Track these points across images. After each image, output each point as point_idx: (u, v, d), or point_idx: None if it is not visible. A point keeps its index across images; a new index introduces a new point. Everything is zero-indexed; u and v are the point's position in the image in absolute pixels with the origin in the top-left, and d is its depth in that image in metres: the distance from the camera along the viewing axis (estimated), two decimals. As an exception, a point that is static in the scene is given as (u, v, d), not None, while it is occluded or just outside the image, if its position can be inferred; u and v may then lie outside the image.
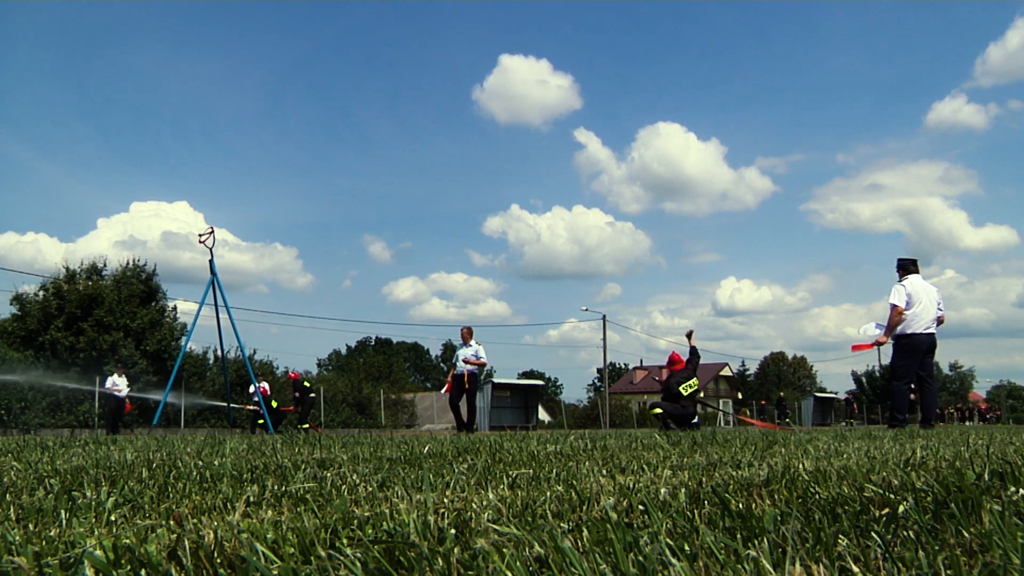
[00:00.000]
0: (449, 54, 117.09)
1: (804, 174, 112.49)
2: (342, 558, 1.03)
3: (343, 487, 2.05)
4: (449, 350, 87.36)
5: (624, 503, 1.58)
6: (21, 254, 73.41)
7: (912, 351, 9.13)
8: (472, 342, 14.14)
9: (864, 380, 68.12)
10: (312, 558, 1.07)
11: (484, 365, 14.38)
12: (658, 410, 12.58)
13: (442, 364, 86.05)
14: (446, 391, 14.27)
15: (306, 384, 23.55)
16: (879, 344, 9.46)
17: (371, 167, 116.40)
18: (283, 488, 2.02)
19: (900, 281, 9.34)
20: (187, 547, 1.09)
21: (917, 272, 9.40)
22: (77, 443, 5.95)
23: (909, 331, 9.11)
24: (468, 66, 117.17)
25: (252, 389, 22.15)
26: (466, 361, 13.89)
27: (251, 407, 21.61)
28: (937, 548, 1.06)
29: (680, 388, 12.54)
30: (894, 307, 9.15)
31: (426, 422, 40.75)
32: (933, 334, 9.23)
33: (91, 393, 25.72)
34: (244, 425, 21.73)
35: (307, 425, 22.20)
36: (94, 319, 29.57)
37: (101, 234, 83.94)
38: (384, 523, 1.33)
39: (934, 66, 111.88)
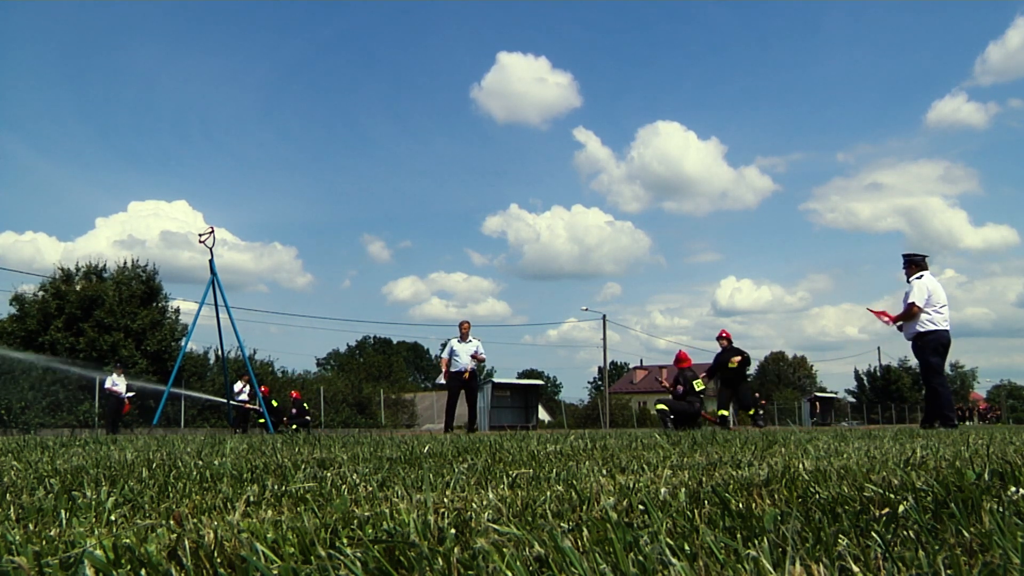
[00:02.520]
0: (447, 52, 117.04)
1: (804, 173, 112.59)
2: (342, 558, 1.03)
3: (343, 487, 2.05)
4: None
5: (624, 503, 1.58)
6: (20, 253, 73.39)
7: (941, 347, 9.02)
8: (471, 337, 13.86)
9: (865, 379, 68.12)
10: (312, 558, 1.07)
11: (484, 361, 14.10)
12: (662, 406, 12.61)
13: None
14: (444, 377, 13.89)
15: (305, 406, 25.70)
16: (889, 321, 9.25)
17: (370, 166, 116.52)
18: (283, 488, 2.02)
19: (911, 278, 9.18)
20: (187, 547, 1.09)
21: (927, 268, 9.27)
22: (77, 443, 5.95)
23: (937, 328, 8.97)
24: (466, 64, 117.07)
25: (238, 388, 22.20)
26: (474, 357, 13.64)
27: (237, 404, 21.61)
28: (937, 548, 1.06)
29: (693, 383, 12.62)
30: (913, 304, 8.97)
31: (426, 422, 40.76)
32: (950, 331, 9.18)
33: (91, 391, 25.70)
34: (240, 424, 21.73)
35: (295, 426, 22.78)
36: (94, 320, 29.58)
37: (100, 233, 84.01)
38: (384, 523, 1.33)
39: (934, 65, 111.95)
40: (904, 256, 9.44)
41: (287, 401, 26.49)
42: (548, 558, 1.01)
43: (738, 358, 13.65)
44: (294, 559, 1.09)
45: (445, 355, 13.92)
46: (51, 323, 29.36)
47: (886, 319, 9.40)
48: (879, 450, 3.38)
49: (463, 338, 13.78)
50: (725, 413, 13.79)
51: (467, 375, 13.56)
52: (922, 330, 9.01)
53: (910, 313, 9.01)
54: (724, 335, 14.03)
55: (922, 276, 9.17)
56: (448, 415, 13.73)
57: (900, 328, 9.31)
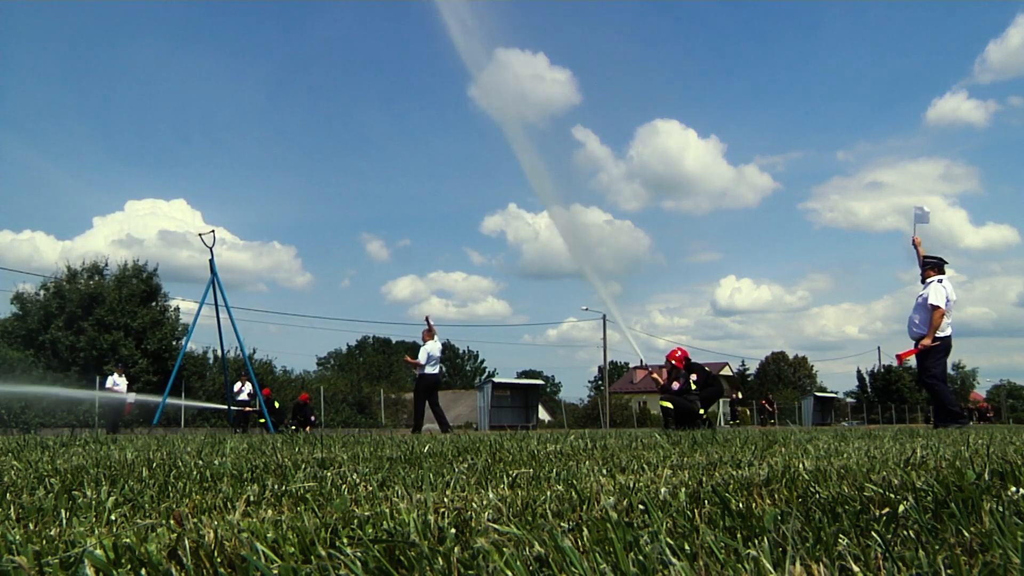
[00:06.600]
0: (444, 49, 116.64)
1: (803, 172, 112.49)
2: (342, 557, 1.03)
3: (343, 487, 2.05)
4: (448, 349, 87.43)
5: (624, 502, 1.58)
6: (18, 252, 73.19)
7: (947, 352, 8.95)
8: (430, 341, 13.69)
9: (867, 379, 68.04)
10: (312, 557, 1.08)
11: (418, 366, 13.66)
12: (667, 403, 12.61)
13: (441, 365, 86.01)
14: None
15: (312, 417, 26.18)
16: (924, 348, 8.84)
17: (369, 165, 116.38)
18: (283, 487, 2.02)
19: (928, 280, 9.00)
20: (187, 546, 1.09)
21: (943, 272, 9.10)
22: (77, 442, 5.95)
23: (945, 333, 8.85)
24: (463, 61, 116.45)
25: (237, 387, 22.19)
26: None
27: (236, 407, 21.59)
28: (937, 547, 1.06)
29: (689, 381, 12.63)
30: (936, 308, 8.76)
31: (426, 421, 40.74)
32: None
33: (90, 394, 25.68)
34: (240, 424, 21.70)
35: (294, 427, 22.83)
36: (95, 318, 29.58)
37: (98, 232, 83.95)
38: (384, 522, 1.33)
39: (934, 63, 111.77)
40: (924, 258, 9.24)
41: (287, 403, 26.54)
42: (548, 558, 1.01)
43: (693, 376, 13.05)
44: (294, 559, 1.09)
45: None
46: (52, 322, 29.36)
47: (924, 345, 8.89)
48: (879, 450, 3.38)
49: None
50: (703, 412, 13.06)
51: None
52: (940, 334, 8.85)
53: (939, 315, 8.77)
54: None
55: (941, 279, 9.00)
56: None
57: (917, 335, 8.98)
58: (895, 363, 8.59)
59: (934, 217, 9.87)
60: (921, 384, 9.06)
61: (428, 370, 13.65)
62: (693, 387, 12.75)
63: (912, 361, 9.30)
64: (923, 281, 9.19)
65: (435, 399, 13.89)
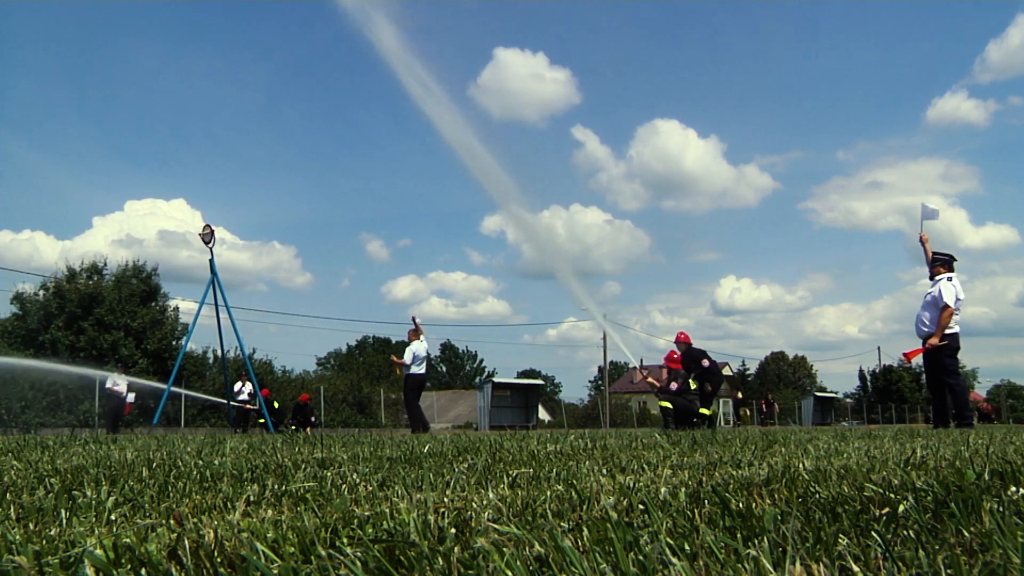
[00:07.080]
0: (443, 49, 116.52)
1: (803, 172, 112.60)
2: (342, 557, 1.03)
3: (343, 486, 2.05)
4: (448, 349, 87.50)
5: (624, 502, 1.58)
6: (17, 252, 73.08)
7: (957, 350, 8.89)
8: (415, 340, 13.65)
9: (869, 379, 67.97)
10: (312, 557, 1.07)
11: (403, 366, 13.61)
12: (666, 403, 12.63)
13: (441, 365, 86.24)
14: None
15: (312, 418, 26.33)
16: (932, 347, 8.74)
17: (368, 165, 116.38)
18: (283, 487, 2.02)
19: (937, 278, 8.91)
20: (187, 546, 1.09)
21: (953, 269, 9.02)
22: (77, 442, 5.95)
23: (953, 330, 8.78)
24: (463, 60, 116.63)
25: (237, 387, 22.19)
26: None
27: (237, 404, 21.58)
28: (937, 547, 1.06)
29: (688, 381, 12.68)
30: (947, 307, 8.67)
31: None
32: None
33: (91, 391, 25.66)
34: (240, 424, 21.69)
35: (294, 427, 22.83)
36: (95, 318, 29.58)
37: (97, 232, 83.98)
38: (384, 522, 1.33)
39: (934, 62, 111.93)
40: (933, 254, 9.13)
41: (287, 403, 26.55)
42: (548, 558, 1.01)
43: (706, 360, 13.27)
44: (294, 559, 1.09)
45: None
46: (52, 322, 29.36)
47: (931, 344, 8.81)
48: (879, 450, 3.38)
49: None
50: (706, 411, 13.18)
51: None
52: (948, 332, 8.76)
53: (948, 315, 8.68)
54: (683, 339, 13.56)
55: (951, 277, 8.89)
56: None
57: (926, 335, 8.89)
58: (903, 362, 8.62)
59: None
60: (944, 385, 8.91)
61: (414, 370, 13.59)
62: (692, 386, 12.79)
63: (918, 360, 9.23)
64: (931, 278, 9.07)
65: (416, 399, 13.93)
